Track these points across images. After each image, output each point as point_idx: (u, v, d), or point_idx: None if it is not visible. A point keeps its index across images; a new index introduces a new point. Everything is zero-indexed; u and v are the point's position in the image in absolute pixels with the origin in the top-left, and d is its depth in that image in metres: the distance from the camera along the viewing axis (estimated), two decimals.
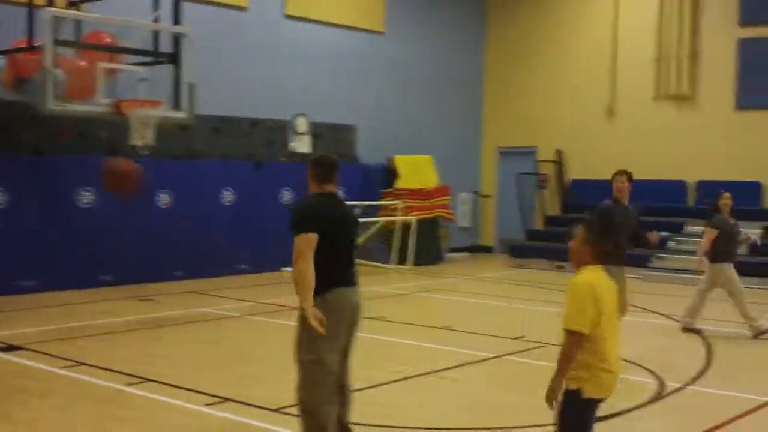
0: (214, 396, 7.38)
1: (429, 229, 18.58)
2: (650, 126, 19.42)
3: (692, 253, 16.92)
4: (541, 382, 7.63)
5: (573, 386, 4.49)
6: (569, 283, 4.53)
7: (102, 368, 8.41)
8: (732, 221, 10.96)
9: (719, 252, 10.70)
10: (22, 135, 13.46)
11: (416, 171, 18.86)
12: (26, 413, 6.92)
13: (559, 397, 4.46)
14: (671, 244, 17.43)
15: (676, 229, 17.69)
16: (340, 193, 5.94)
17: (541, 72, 21.21)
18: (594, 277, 4.53)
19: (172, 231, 15.01)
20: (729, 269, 10.75)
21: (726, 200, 11.02)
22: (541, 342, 9.88)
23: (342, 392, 5.63)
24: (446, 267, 18.55)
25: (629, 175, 9.57)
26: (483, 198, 22.16)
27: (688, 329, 10.83)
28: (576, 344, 4.39)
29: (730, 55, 18.43)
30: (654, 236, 9.38)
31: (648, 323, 11.61)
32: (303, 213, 5.45)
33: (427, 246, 18.52)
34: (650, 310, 12.56)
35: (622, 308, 9.02)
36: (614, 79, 19.97)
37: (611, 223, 9.04)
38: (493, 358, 9.27)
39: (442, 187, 19.25)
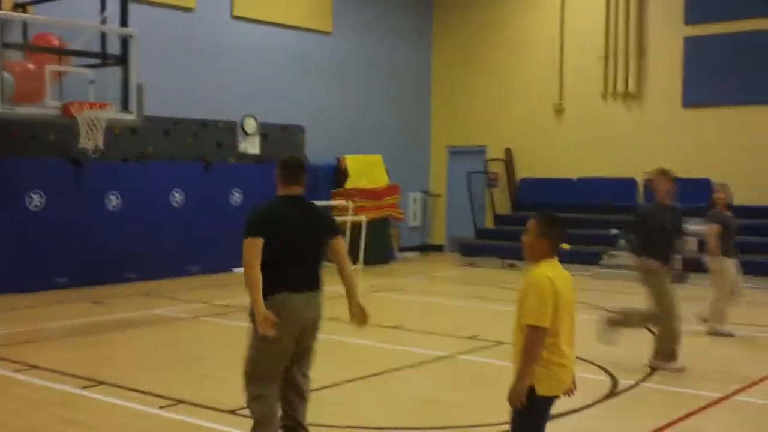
0: (168, 398, 7.38)
1: (379, 228, 18.68)
2: (599, 124, 19.73)
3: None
4: (493, 381, 7.78)
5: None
6: (527, 277, 4.50)
7: (56, 371, 8.37)
8: (728, 214, 10.79)
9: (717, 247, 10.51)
10: None
11: (366, 171, 18.96)
12: None
13: (524, 399, 4.36)
14: (621, 242, 17.67)
15: (619, 226, 17.98)
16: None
17: (489, 71, 21.42)
18: (552, 270, 4.49)
19: (123, 233, 14.94)
20: (729, 262, 10.64)
21: (720, 194, 10.89)
22: (493, 340, 10.01)
23: (298, 396, 5.67)
24: (397, 266, 18.67)
25: (667, 174, 9.08)
26: (433, 197, 22.32)
27: (718, 333, 10.64)
28: (540, 340, 4.34)
29: (676, 53, 18.78)
30: (686, 244, 9.05)
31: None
32: (252, 216, 5.44)
33: (378, 245, 18.62)
34: (603, 308, 12.75)
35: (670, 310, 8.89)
36: (562, 77, 20.25)
37: (646, 221, 8.91)
38: (446, 357, 9.37)
39: (392, 187, 19.37)
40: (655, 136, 18.91)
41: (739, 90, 18.02)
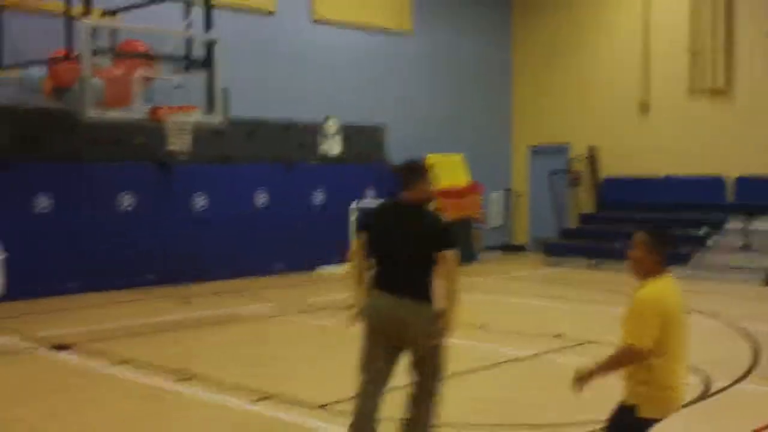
0: (258, 393, 7.49)
1: (461, 228, 18.59)
2: (685, 121, 19.25)
3: (736, 249, 16.70)
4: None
5: (630, 402, 4.26)
6: (634, 296, 4.30)
7: (148, 366, 8.58)
8: None
9: None
10: (63, 142, 13.74)
11: (447, 170, 18.90)
12: (76, 410, 7.10)
13: (584, 386, 4.28)
14: (710, 242, 17.23)
15: (717, 226, 17.50)
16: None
17: (571, 68, 21.16)
18: (662, 289, 4.30)
19: (210, 233, 15.26)
20: None
21: None
22: (578, 340, 9.88)
23: (411, 403, 5.65)
24: (480, 266, 18.56)
25: None
26: (515, 196, 22.15)
27: None
28: (632, 359, 4.20)
29: (765, 47, 18.24)
30: None
31: (691, 322, 11.48)
32: (358, 217, 5.73)
33: (460, 245, 18.51)
34: (694, 309, 12.45)
35: None
36: (647, 73, 19.86)
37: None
38: (530, 356, 9.29)
39: (474, 186, 19.29)
40: (745, 133, 18.37)
41: None
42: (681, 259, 16.46)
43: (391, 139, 18.87)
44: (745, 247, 16.38)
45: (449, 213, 18.08)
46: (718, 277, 15.78)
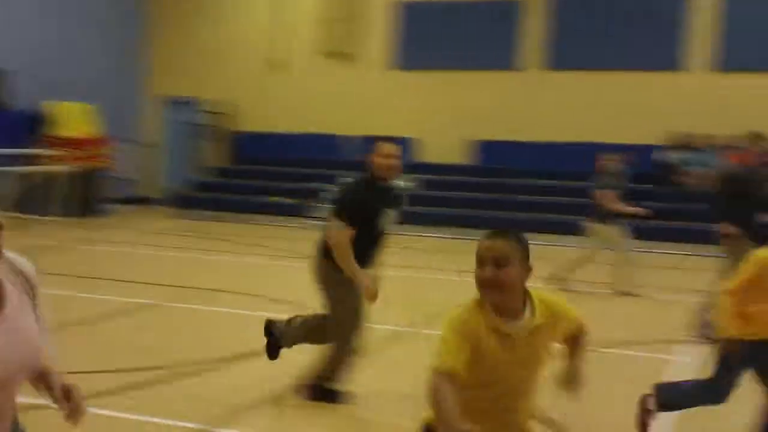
0: None
1: (88, 179, 18.00)
2: (316, 81, 20.18)
3: None
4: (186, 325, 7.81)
5: None
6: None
7: None
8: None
9: None
10: None
11: (74, 119, 18.12)
12: None
13: None
14: (324, 194, 18.32)
15: (329, 181, 18.73)
16: None
17: (207, 23, 21.25)
18: None
19: None
20: None
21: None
22: (193, 287, 10.13)
23: None
24: (107, 219, 18.13)
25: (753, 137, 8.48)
26: (147, 148, 21.80)
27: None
28: None
29: (392, 17, 19.73)
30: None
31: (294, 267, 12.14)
32: None
33: (86, 197, 17.96)
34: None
35: None
36: (281, 34, 20.48)
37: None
38: (152, 304, 9.35)
39: (102, 136, 18.66)
40: (369, 95, 19.75)
41: (450, 55, 19.18)
42: (300, 212, 17.54)
43: (14, 83, 17.68)
44: None
45: (75, 163, 17.42)
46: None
